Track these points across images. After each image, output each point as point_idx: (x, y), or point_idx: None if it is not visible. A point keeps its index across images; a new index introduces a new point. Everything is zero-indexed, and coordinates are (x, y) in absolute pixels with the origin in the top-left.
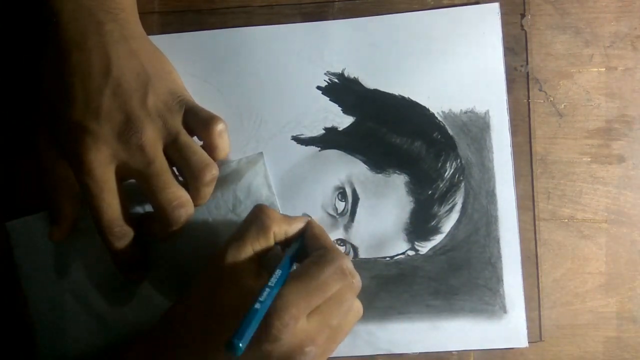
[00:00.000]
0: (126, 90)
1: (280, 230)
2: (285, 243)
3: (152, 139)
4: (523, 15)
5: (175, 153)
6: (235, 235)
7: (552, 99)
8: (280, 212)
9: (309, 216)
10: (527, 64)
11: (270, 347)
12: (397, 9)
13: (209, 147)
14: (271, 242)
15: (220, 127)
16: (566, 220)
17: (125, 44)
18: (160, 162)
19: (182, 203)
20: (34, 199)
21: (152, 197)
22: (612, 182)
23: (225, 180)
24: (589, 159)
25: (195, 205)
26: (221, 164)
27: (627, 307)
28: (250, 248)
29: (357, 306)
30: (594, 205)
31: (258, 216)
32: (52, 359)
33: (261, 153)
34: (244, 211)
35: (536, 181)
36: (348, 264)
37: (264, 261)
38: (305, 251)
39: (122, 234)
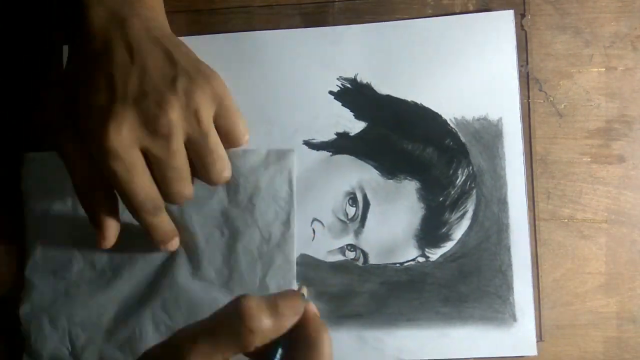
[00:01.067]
0: (153, 76)
1: (265, 339)
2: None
3: (178, 128)
4: (523, 16)
5: (198, 152)
6: (206, 336)
7: (552, 99)
8: (295, 213)
9: (304, 289)
10: (527, 64)
11: None
12: (397, 9)
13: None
14: (251, 347)
15: (246, 140)
16: (566, 221)
17: (147, 34)
18: (181, 153)
19: (185, 197)
20: None
21: (162, 184)
22: (612, 182)
23: (251, 167)
24: (589, 159)
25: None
26: (251, 152)
27: (627, 307)
28: (221, 356)
29: None
30: (594, 206)
31: (234, 326)
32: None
33: (292, 150)
34: (260, 202)
35: (536, 181)
36: None
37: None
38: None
39: (156, 210)
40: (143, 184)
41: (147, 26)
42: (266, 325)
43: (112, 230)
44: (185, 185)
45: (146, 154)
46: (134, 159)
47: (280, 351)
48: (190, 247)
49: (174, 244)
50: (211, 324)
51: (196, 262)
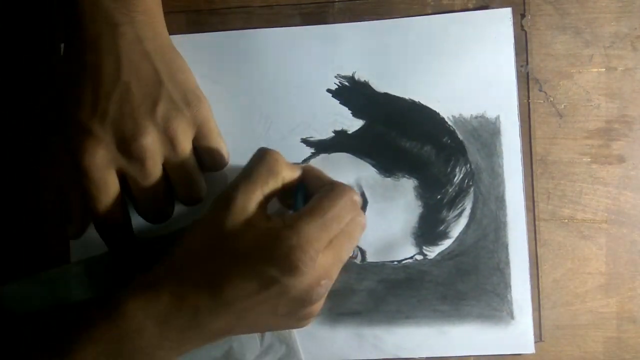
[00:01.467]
0: (136, 96)
1: (288, 175)
2: (286, 191)
3: (154, 152)
4: (523, 16)
5: (175, 174)
6: (243, 177)
7: (552, 99)
8: None
9: (305, 165)
10: (527, 64)
11: (294, 281)
12: (396, 9)
13: (204, 166)
14: (279, 187)
15: (225, 163)
16: (566, 221)
17: (139, 46)
18: (157, 176)
19: (165, 216)
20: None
21: (139, 202)
22: (612, 182)
23: (213, 184)
24: (589, 159)
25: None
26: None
27: (627, 308)
28: (260, 192)
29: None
30: (594, 206)
31: (267, 160)
32: None
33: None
34: None
35: (536, 181)
36: (356, 195)
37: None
38: (309, 193)
39: (117, 231)
40: (108, 204)
41: (139, 36)
42: (284, 160)
43: (82, 224)
44: (163, 205)
45: (124, 174)
46: (106, 179)
47: (301, 188)
48: None
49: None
50: (243, 171)
51: None
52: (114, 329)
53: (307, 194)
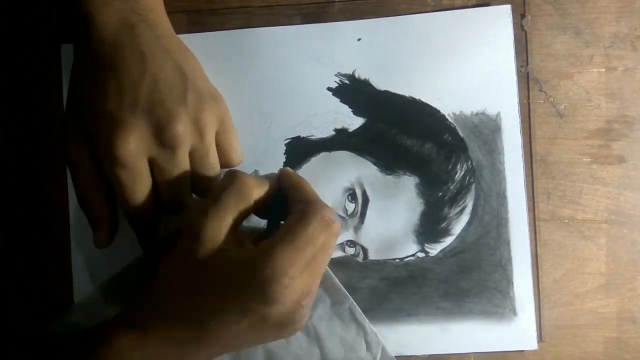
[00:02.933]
0: (164, 86)
1: (261, 195)
2: (265, 206)
3: (184, 140)
4: (523, 16)
5: (198, 165)
6: (212, 203)
7: (552, 100)
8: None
9: (281, 169)
10: (527, 64)
11: (273, 310)
12: (397, 9)
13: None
14: (251, 210)
15: (239, 162)
16: (566, 221)
17: (158, 43)
18: (185, 166)
19: (184, 205)
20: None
21: (164, 193)
22: (612, 182)
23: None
24: (589, 160)
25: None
26: None
27: (627, 308)
28: (231, 217)
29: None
30: (594, 206)
31: (236, 184)
32: None
33: (257, 171)
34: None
35: (536, 181)
36: (329, 213)
37: (243, 229)
38: (285, 207)
39: (152, 222)
40: (145, 192)
41: (156, 34)
42: (254, 181)
43: (109, 230)
44: (184, 195)
45: (152, 163)
46: (140, 168)
47: (275, 205)
48: None
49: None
50: (212, 195)
51: None
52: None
53: (285, 201)
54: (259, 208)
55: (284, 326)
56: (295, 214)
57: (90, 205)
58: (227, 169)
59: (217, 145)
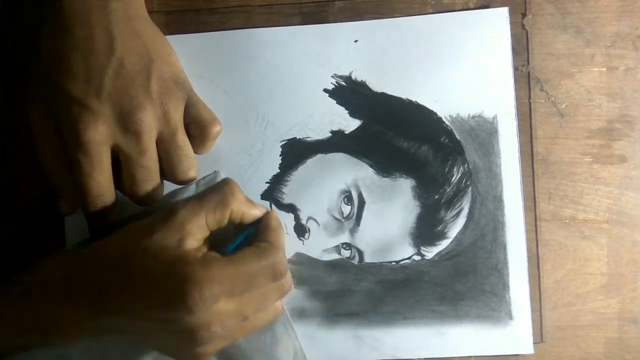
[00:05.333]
0: (129, 71)
1: (239, 211)
2: (239, 225)
3: (150, 127)
4: (524, 15)
5: (167, 149)
6: (195, 198)
7: (553, 99)
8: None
9: (271, 209)
10: (528, 63)
11: (180, 314)
12: (397, 9)
13: (198, 145)
14: (225, 220)
15: (217, 130)
16: (567, 221)
17: (129, 24)
18: (152, 153)
19: (154, 197)
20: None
21: (129, 182)
22: (614, 182)
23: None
24: (590, 159)
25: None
26: (181, 189)
27: (628, 308)
28: (204, 217)
29: (277, 307)
30: (595, 206)
31: (222, 190)
32: None
33: (218, 172)
34: None
35: (537, 181)
36: (281, 265)
37: (213, 236)
38: (255, 238)
39: (105, 210)
40: (101, 181)
41: (128, 15)
42: (242, 197)
43: (74, 197)
44: (153, 185)
45: (117, 152)
46: (101, 155)
47: (245, 233)
48: None
49: None
50: (201, 192)
51: None
52: (19, 285)
53: (254, 237)
54: (235, 224)
55: (185, 341)
56: (253, 247)
57: (53, 175)
58: (225, 177)
59: (191, 122)
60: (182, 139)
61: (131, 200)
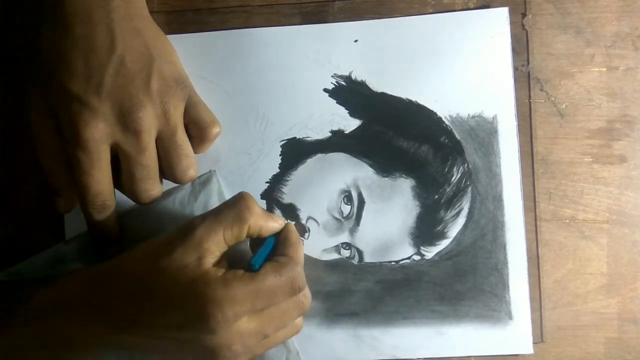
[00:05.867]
0: (130, 69)
1: (256, 225)
2: (257, 239)
3: (150, 126)
4: (524, 15)
5: (166, 148)
6: (212, 215)
7: (553, 99)
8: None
9: (289, 222)
10: (528, 63)
11: (201, 334)
12: (397, 9)
13: (196, 145)
14: (244, 235)
15: (217, 131)
16: (567, 221)
17: (130, 22)
18: (151, 152)
19: (152, 196)
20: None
21: (128, 180)
22: (614, 182)
23: (181, 203)
24: (591, 159)
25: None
26: (176, 189)
27: (628, 308)
28: (222, 233)
29: (298, 324)
30: (595, 206)
31: (238, 205)
32: None
33: (214, 171)
34: None
35: (537, 181)
36: (300, 280)
37: (231, 251)
38: (273, 252)
39: (103, 208)
40: (100, 179)
41: (130, 14)
42: (259, 211)
43: (69, 197)
44: (152, 184)
45: (116, 150)
46: (100, 153)
47: (265, 246)
48: None
49: (114, 250)
50: (217, 208)
51: None
52: (22, 311)
53: (273, 250)
54: (252, 239)
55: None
56: (273, 263)
57: (53, 173)
58: (240, 192)
59: (190, 122)
60: (182, 138)
61: (130, 198)
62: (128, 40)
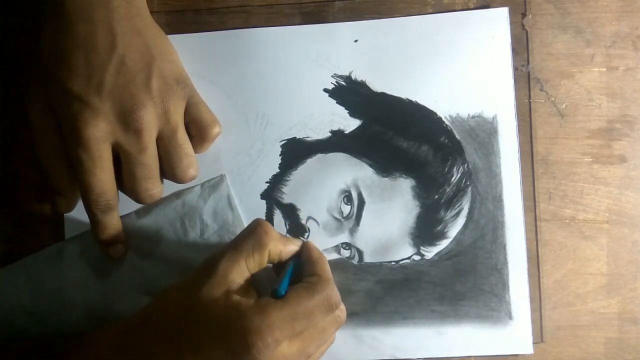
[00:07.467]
0: (130, 69)
1: (276, 249)
2: (278, 264)
3: (150, 125)
4: (524, 15)
5: (167, 147)
6: (231, 246)
7: (553, 99)
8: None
9: (305, 239)
10: (528, 63)
11: None
12: (397, 9)
13: (196, 145)
14: (265, 261)
15: (217, 131)
16: (567, 221)
17: (131, 22)
18: (152, 151)
19: (153, 196)
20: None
21: (129, 180)
22: (614, 182)
23: (190, 206)
24: (590, 159)
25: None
26: (186, 191)
27: (628, 308)
28: (244, 263)
29: (334, 338)
30: (595, 206)
31: (256, 232)
32: None
33: (224, 175)
34: (212, 236)
35: (537, 182)
36: (335, 296)
37: (255, 277)
38: (299, 273)
39: (107, 208)
40: (103, 178)
41: (130, 13)
42: (277, 235)
43: (70, 197)
44: (153, 184)
45: (117, 150)
46: (102, 152)
47: (290, 268)
48: (146, 299)
49: (118, 249)
50: (235, 238)
51: None
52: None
53: (299, 271)
54: (274, 263)
55: None
56: (305, 284)
57: (53, 172)
58: (255, 218)
59: (191, 121)
60: (182, 137)
61: (131, 198)
62: (129, 40)
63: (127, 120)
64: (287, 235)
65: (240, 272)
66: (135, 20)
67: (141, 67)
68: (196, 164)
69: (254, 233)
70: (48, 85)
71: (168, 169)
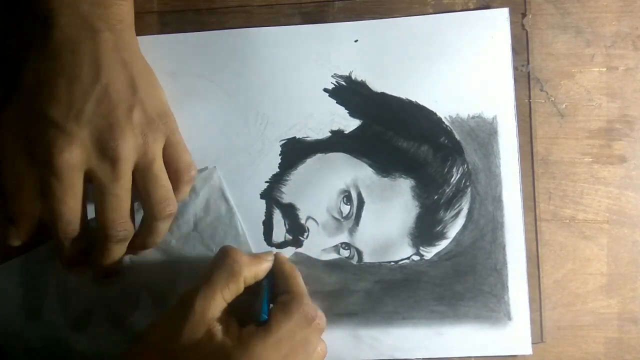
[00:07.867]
0: (113, 100)
1: (250, 274)
2: (254, 285)
3: (128, 155)
4: (524, 15)
5: (142, 179)
6: (204, 281)
7: (553, 99)
8: (241, 221)
9: (276, 252)
10: (528, 63)
11: None
12: (397, 9)
13: (173, 188)
14: (242, 287)
15: (192, 175)
16: (567, 221)
17: (118, 54)
18: (125, 182)
19: (126, 236)
20: None
21: (100, 210)
22: (614, 182)
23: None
24: (590, 159)
25: (147, 246)
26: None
27: (628, 308)
28: (220, 296)
29: (322, 347)
30: (595, 206)
31: (226, 262)
32: None
33: (214, 167)
34: (205, 228)
35: (537, 182)
36: (311, 310)
37: (233, 304)
38: (276, 289)
39: (75, 237)
40: (73, 207)
41: (118, 46)
42: (247, 259)
43: (25, 229)
44: (121, 217)
45: (91, 177)
46: (74, 180)
47: (266, 289)
48: (151, 289)
49: (82, 270)
50: (205, 273)
51: (157, 300)
52: None
53: (274, 284)
54: (251, 286)
55: None
56: (279, 306)
57: (13, 200)
58: (223, 246)
59: (166, 161)
60: (159, 168)
61: (98, 230)
62: (114, 72)
63: (104, 148)
64: (287, 235)
65: (217, 306)
66: (122, 53)
67: (124, 99)
68: (173, 200)
69: (224, 264)
70: (26, 113)
71: (144, 200)
